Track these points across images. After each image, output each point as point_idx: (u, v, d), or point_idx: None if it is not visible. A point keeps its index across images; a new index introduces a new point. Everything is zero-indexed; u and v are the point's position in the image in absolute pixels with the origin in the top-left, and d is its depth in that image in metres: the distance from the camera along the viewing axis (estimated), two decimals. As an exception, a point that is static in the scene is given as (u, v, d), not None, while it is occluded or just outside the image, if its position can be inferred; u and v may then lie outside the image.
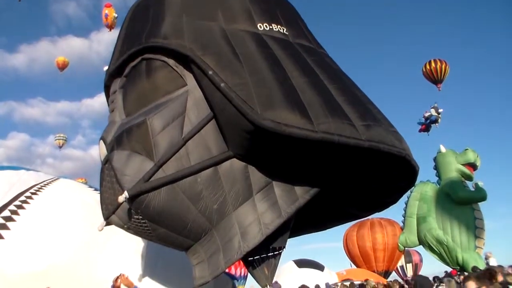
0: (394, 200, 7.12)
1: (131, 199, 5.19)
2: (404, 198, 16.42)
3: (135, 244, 9.55)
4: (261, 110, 4.47)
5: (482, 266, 12.64)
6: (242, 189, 5.67)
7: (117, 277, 3.74)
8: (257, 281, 6.88)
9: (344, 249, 22.49)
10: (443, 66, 23.28)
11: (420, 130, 21.35)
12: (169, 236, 5.79)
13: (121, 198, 5.13)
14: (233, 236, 5.66)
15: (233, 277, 13.98)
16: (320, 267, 13.53)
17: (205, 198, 5.45)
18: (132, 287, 3.70)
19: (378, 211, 7.84)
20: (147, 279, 9.24)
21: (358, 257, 20.79)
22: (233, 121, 4.85)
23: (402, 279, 17.88)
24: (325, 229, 8.51)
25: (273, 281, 6.73)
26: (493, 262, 7.16)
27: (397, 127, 5.59)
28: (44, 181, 11.12)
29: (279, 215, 5.74)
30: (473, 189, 15.30)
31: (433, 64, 23.27)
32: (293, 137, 4.51)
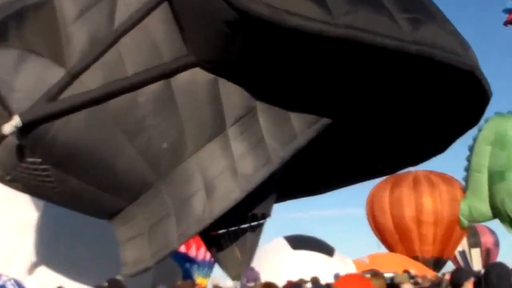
0: (443, 147, 7.46)
1: (24, 130, 5.21)
2: (466, 140, 16.07)
3: (23, 210, 9.43)
4: None
5: None
6: (209, 117, 5.90)
7: None
8: (223, 269, 7.20)
9: (369, 220, 22.76)
10: None
11: (506, 23, 20.61)
12: (85, 192, 5.95)
13: (8, 128, 5.10)
14: (193, 193, 5.91)
15: (190, 261, 14.10)
16: (327, 251, 13.73)
17: (148, 130, 5.65)
18: None
19: (415, 164, 8.52)
20: (42, 269, 9.35)
21: (390, 234, 21.03)
22: (202, 5, 4.99)
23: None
24: (330, 191, 8.99)
25: (249, 268, 6.89)
26: None
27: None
28: None
29: (266, 160, 5.98)
30: None
31: None
32: (298, 31, 4.66)
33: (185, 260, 13.31)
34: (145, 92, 5.55)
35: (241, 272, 6.78)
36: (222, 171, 5.88)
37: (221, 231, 6.55)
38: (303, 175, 7.45)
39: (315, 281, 8.05)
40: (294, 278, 10.84)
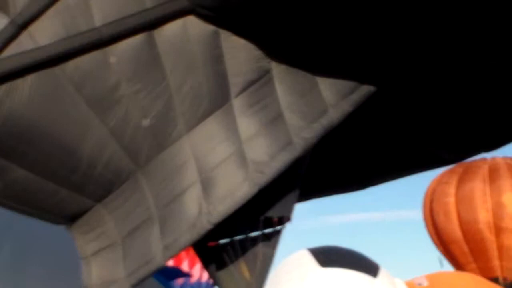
0: None
1: None
2: None
3: None
4: None
5: None
6: (206, 83, 5.66)
7: None
8: None
9: (427, 226, 22.13)
10: None
11: None
12: (35, 187, 5.67)
13: None
14: (185, 188, 5.66)
15: (181, 283, 13.78)
16: (370, 269, 13.10)
17: (124, 101, 5.39)
18: None
19: (492, 149, 7.94)
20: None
21: (458, 246, 20.32)
22: None
23: None
24: (373, 187, 8.59)
25: None
26: None
27: None
28: None
29: (286, 143, 5.73)
30: None
31: None
32: None
33: (173, 281, 12.92)
34: (119, 49, 5.26)
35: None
36: (225, 158, 5.61)
37: (223, 241, 6.29)
38: (335, 165, 7.26)
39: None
40: (323, 308, 10.49)
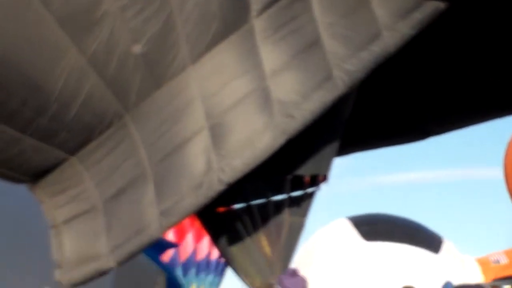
0: None
1: None
2: None
3: None
4: None
5: None
6: None
7: None
8: (241, 276, 6.92)
9: (509, 187, 21.96)
10: None
11: None
12: None
13: None
14: (188, 137, 5.39)
15: (183, 262, 13.59)
16: (430, 243, 13.19)
17: (107, 20, 5.03)
18: None
19: None
20: None
21: None
22: None
23: None
24: (439, 134, 8.27)
25: (287, 272, 6.62)
26: None
27: None
28: None
29: (323, 78, 5.42)
30: None
31: None
32: None
33: (172, 261, 12.64)
34: None
35: (271, 279, 6.26)
36: (241, 97, 5.34)
37: (237, 207, 6.16)
38: (388, 107, 7.00)
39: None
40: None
